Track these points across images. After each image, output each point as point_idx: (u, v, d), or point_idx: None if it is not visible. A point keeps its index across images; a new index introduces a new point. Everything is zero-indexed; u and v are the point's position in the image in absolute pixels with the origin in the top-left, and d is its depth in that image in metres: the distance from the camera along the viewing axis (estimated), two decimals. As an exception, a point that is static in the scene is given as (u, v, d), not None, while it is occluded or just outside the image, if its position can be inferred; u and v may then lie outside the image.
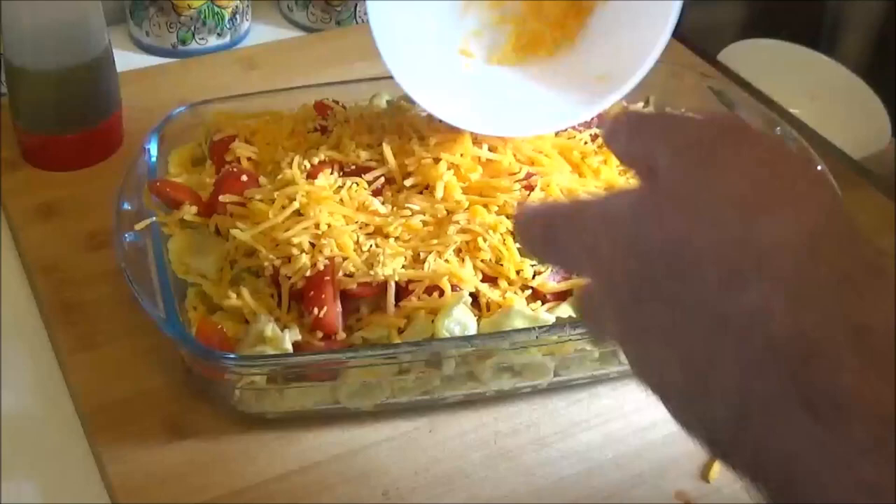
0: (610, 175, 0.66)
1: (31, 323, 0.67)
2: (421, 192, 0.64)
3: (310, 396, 0.59)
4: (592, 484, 0.58)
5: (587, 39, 0.71)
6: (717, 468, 0.58)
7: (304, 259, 0.59)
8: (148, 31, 0.93)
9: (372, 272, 0.58)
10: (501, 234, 0.61)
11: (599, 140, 0.70)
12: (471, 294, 0.59)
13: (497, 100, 0.69)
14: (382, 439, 0.60)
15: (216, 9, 0.93)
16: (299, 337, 0.58)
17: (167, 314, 0.56)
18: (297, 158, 0.65)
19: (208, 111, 0.72)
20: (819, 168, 0.36)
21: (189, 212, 0.64)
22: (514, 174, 0.65)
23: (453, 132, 0.65)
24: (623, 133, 0.41)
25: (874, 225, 0.75)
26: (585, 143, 0.69)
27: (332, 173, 0.65)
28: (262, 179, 0.65)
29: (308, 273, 0.59)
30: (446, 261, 0.59)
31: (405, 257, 0.60)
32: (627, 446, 0.60)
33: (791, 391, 0.31)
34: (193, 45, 0.94)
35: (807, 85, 1.04)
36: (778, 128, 0.74)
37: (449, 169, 0.64)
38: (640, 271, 0.36)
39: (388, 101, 0.74)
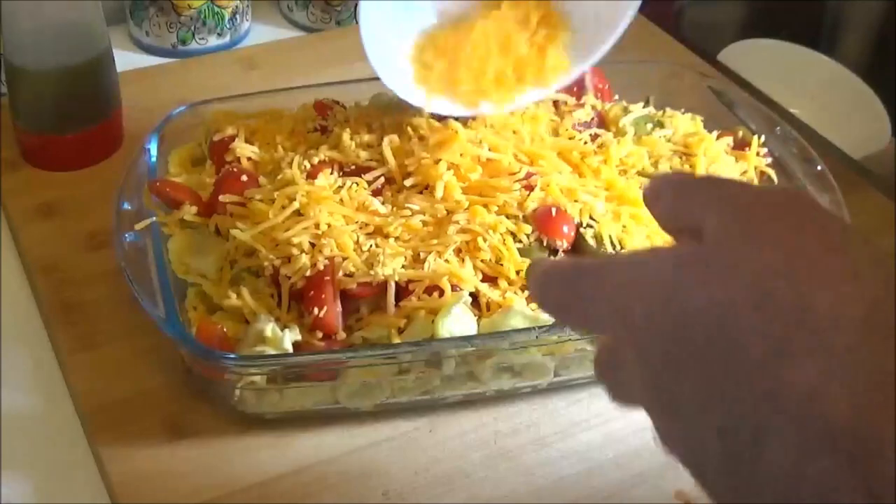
0: (610, 175, 0.66)
1: (31, 323, 0.67)
2: (421, 192, 0.64)
3: (310, 396, 0.59)
4: (592, 484, 0.58)
5: (563, 9, 0.71)
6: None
7: (304, 259, 0.59)
8: (148, 31, 0.94)
9: (372, 272, 0.58)
10: (501, 234, 0.61)
11: (599, 140, 0.70)
12: (471, 294, 0.59)
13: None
14: (382, 439, 0.60)
15: (216, 9, 0.93)
16: (299, 337, 0.58)
17: (167, 314, 0.56)
18: (297, 158, 0.65)
19: (208, 111, 0.72)
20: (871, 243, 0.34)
21: (189, 212, 0.64)
22: (514, 174, 0.65)
23: (449, 130, 0.65)
24: (668, 193, 0.40)
25: (874, 225, 0.75)
26: (585, 142, 0.69)
27: (332, 173, 0.65)
28: (262, 179, 0.65)
29: (308, 273, 0.59)
30: (446, 261, 0.59)
31: (405, 257, 0.60)
32: (627, 446, 0.60)
33: (850, 480, 0.29)
34: (193, 45, 0.94)
35: (807, 85, 1.04)
36: (778, 128, 0.74)
37: (449, 169, 0.64)
38: (678, 336, 0.34)
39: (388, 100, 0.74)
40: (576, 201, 0.63)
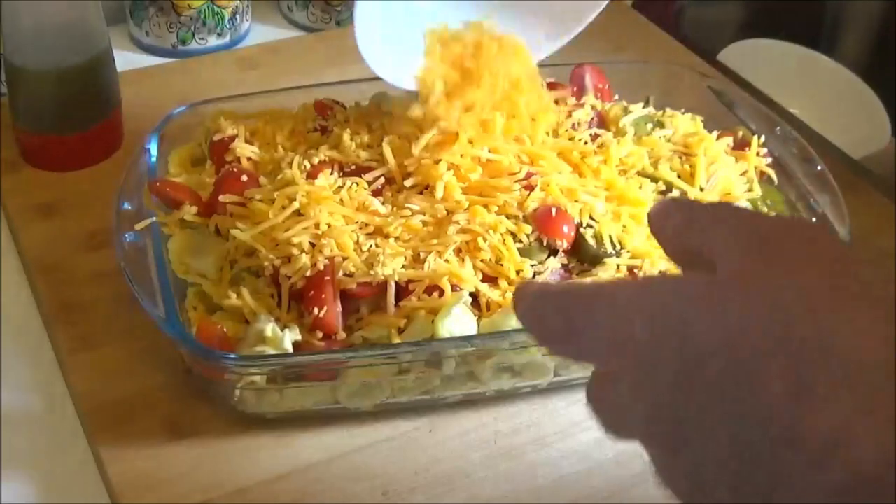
0: (610, 175, 0.66)
1: (31, 323, 0.67)
2: (421, 192, 0.64)
3: (310, 396, 0.59)
4: (592, 483, 0.58)
5: None
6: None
7: (304, 259, 0.59)
8: (148, 31, 0.94)
9: (372, 272, 0.58)
10: (501, 234, 0.61)
11: (599, 140, 0.70)
12: (471, 294, 0.59)
13: None
14: (382, 439, 0.60)
15: (216, 9, 0.93)
16: (299, 337, 0.58)
17: (167, 314, 0.56)
18: (297, 158, 0.65)
19: (208, 111, 0.72)
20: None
21: (189, 212, 0.64)
22: (514, 174, 0.65)
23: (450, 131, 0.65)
24: (677, 220, 0.38)
25: (874, 225, 0.75)
26: (585, 142, 0.69)
27: (332, 173, 0.65)
28: (262, 179, 0.65)
29: (308, 273, 0.59)
30: (446, 261, 0.59)
31: (405, 257, 0.60)
32: (627, 445, 0.59)
33: None
34: (193, 45, 0.94)
35: (807, 85, 1.04)
36: (778, 128, 0.74)
37: (449, 169, 0.64)
38: (689, 371, 0.32)
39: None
40: (576, 201, 0.63)
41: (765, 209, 0.69)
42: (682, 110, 0.75)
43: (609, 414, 0.38)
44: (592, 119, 0.73)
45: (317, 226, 0.61)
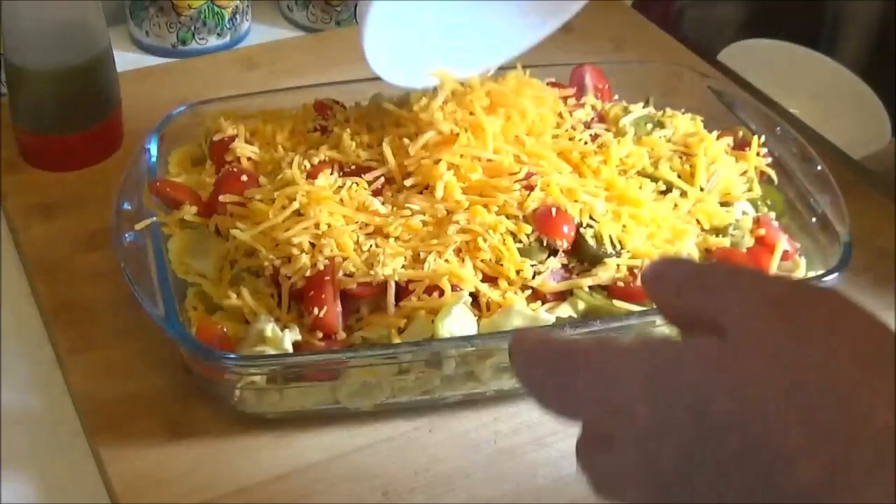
0: (610, 175, 0.66)
1: (31, 323, 0.67)
2: (421, 192, 0.64)
3: (310, 396, 0.59)
4: (592, 484, 0.58)
5: None
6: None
7: (304, 259, 0.59)
8: (148, 31, 0.93)
9: (372, 272, 0.58)
10: (501, 234, 0.61)
11: (599, 140, 0.70)
12: (471, 294, 0.59)
13: (460, 45, 0.70)
14: (382, 439, 0.60)
15: (216, 9, 0.93)
16: (299, 337, 0.58)
17: (167, 314, 0.56)
18: (297, 158, 0.65)
19: (208, 111, 0.72)
20: None
21: (189, 212, 0.64)
22: (514, 174, 0.64)
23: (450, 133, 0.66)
24: (676, 280, 0.37)
25: (874, 225, 0.75)
26: (585, 142, 0.69)
27: (332, 173, 0.65)
28: (262, 179, 0.65)
29: (308, 273, 0.59)
30: (446, 261, 0.59)
31: (405, 257, 0.60)
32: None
33: None
34: (193, 45, 0.94)
35: (807, 85, 1.04)
36: (778, 128, 0.74)
37: (449, 169, 0.64)
38: (702, 442, 0.30)
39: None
40: (576, 201, 0.63)
41: (765, 209, 0.69)
42: (682, 110, 0.75)
43: (603, 478, 0.36)
44: (592, 119, 0.73)
45: (317, 226, 0.61)
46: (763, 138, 0.72)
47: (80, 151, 0.77)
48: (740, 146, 0.72)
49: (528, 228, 0.61)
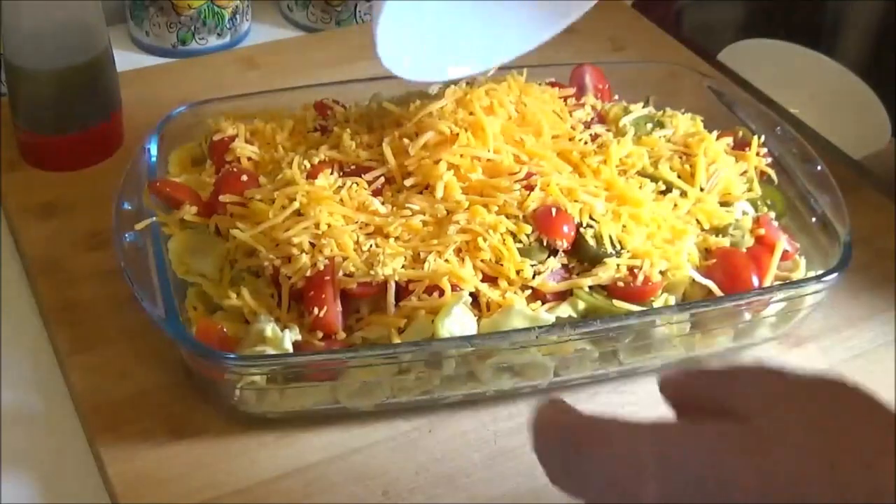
0: (610, 175, 0.66)
1: (31, 323, 0.67)
2: (421, 192, 0.64)
3: (310, 396, 0.59)
4: (592, 484, 0.58)
5: None
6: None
7: (304, 259, 0.59)
8: (148, 31, 0.94)
9: (372, 272, 0.58)
10: (501, 234, 0.61)
11: (599, 140, 0.70)
12: (471, 294, 0.59)
13: (470, 39, 0.70)
14: (382, 439, 0.60)
15: (216, 9, 0.93)
16: (299, 337, 0.58)
17: (167, 314, 0.56)
18: (297, 158, 0.65)
19: (208, 111, 0.72)
20: None
21: (189, 212, 0.64)
22: (514, 174, 0.64)
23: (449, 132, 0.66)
24: (697, 383, 0.38)
25: (874, 225, 0.75)
26: (585, 142, 0.69)
27: (332, 173, 0.65)
28: (262, 179, 0.65)
29: (308, 273, 0.59)
30: (446, 261, 0.59)
31: (405, 257, 0.60)
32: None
33: None
34: (193, 45, 0.94)
35: (807, 85, 1.04)
36: (778, 128, 0.74)
37: (449, 169, 0.64)
38: None
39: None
40: (576, 201, 0.63)
41: (765, 209, 0.69)
42: (682, 110, 0.75)
43: None
44: (592, 119, 0.73)
45: (317, 226, 0.61)
46: (763, 138, 0.72)
47: (80, 151, 0.77)
48: (740, 146, 0.72)
49: (528, 228, 0.61)
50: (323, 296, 0.58)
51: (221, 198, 0.63)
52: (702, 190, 0.68)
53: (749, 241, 0.66)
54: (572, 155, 0.68)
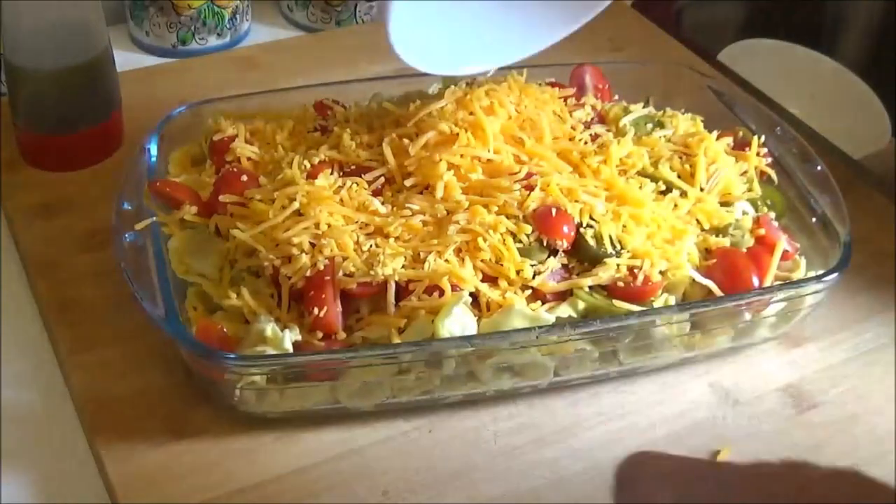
0: (610, 175, 0.66)
1: (31, 323, 0.67)
2: (421, 192, 0.64)
3: (310, 396, 0.59)
4: (592, 484, 0.58)
5: None
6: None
7: (304, 259, 0.59)
8: (148, 31, 0.94)
9: (372, 272, 0.58)
10: (501, 234, 0.61)
11: (599, 140, 0.70)
12: (471, 294, 0.59)
13: (484, 36, 0.70)
14: (382, 439, 0.60)
15: (216, 9, 0.93)
16: (299, 337, 0.58)
17: (167, 314, 0.56)
18: (297, 158, 0.65)
19: (208, 111, 0.72)
20: None
21: (189, 212, 0.64)
22: (515, 174, 0.64)
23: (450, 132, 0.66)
24: None
25: (874, 225, 0.75)
26: (585, 142, 0.69)
27: (332, 173, 0.65)
28: (262, 179, 0.65)
29: (308, 273, 0.59)
30: (446, 261, 0.59)
31: (405, 257, 0.60)
32: (627, 446, 0.60)
33: None
34: (193, 45, 0.94)
35: (807, 85, 1.04)
36: (778, 128, 0.74)
37: (449, 169, 0.64)
38: None
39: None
40: (576, 201, 0.63)
41: (765, 209, 0.69)
42: (682, 110, 0.75)
43: None
44: (592, 119, 0.73)
45: (317, 226, 0.61)
46: (763, 138, 0.72)
47: (80, 151, 0.77)
48: (740, 146, 0.72)
49: (528, 228, 0.61)
50: (323, 296, 0.58)
51: (221, 198, 0.63)
52: (702, 190, 0.68)
53: (749, 241, 0.66)
54: (572, 155, 0.68)
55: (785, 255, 0.65)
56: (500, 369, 0.60)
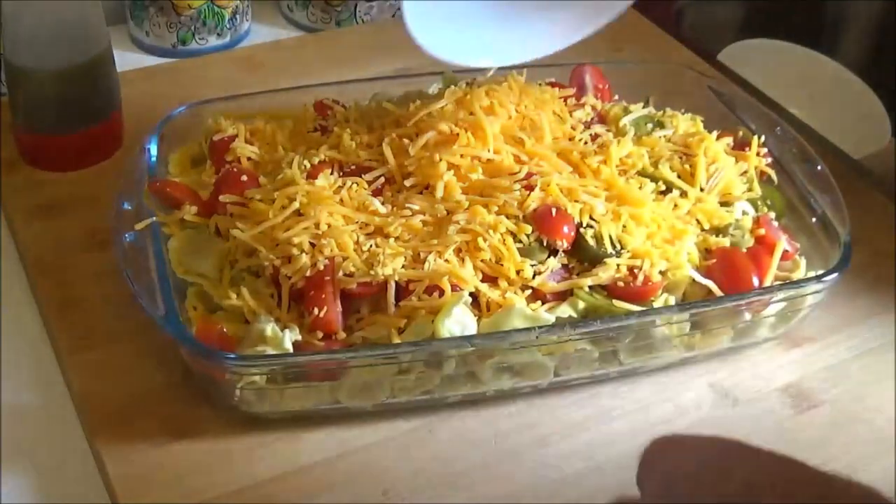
0: (610, 175, 0.66)
1: (31, 323, 0.67)
2: (421, 192, 0.64)
3: (310, 396, 0.59)
4: (592, 484, 0.58)
5: None
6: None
7: (304, 259, 0.59)
8: (148, 31, 0.93)
9: (372, 272, 0.58)
10: (501, 234, 0.61)
11: (599, 140, 0.70)
12: (471, 294, 0.59)
13: (506, 31, 0.69)
14: (382, 439, 0.60)
15: (216, 9, 0.93)
16: (299, 337, 0.58)
17: (167, 314, 0.56)
18: (297, 158, 0.65)
19: (208, 111, 0.72)
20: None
21: (189, 212, 0.64)
22: (515, 174, 0.65)
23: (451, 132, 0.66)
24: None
25: (874, 225, 0.75)
26: (585, 142, 0.69)
27: (332, 173, 0.65)
28: (262, 179, 0.65)
29: (308, 273, 0.59)
30: (446, 261, 0.59)
31: (405, 257, 0.60)
32: (627, 446, 0.59)
33: None
34: (193, 45, 0.94)
35: (807, 85, 1.04)
36: (778, 128, 0.74)
37: (449, 169, 0.64)
38: None
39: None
40: (576, 201, 0.63)
41: (765, 209, 0.69)
42: (682, 110, 0.75)
43: None
44: (592, 119, 0.73)
45: (317, 226, 0.61)
46: (763, 138, 0.72)
47: (80, 151, 0.77)
48: (740, 146, 0.72)
49: (528, 228, 0.61)
50: (323, 296, 0.58)
51: (221, 198, 0.63)
52: (702, 190, 0.68)
53: (749, 241, 0.66)
54: (572, 155, 0.68)
55: (785, 255, 0.65)
56: (500, 369, 0.60)
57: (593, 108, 0.74)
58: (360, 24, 0.99)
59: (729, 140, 0.72)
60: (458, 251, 0.60)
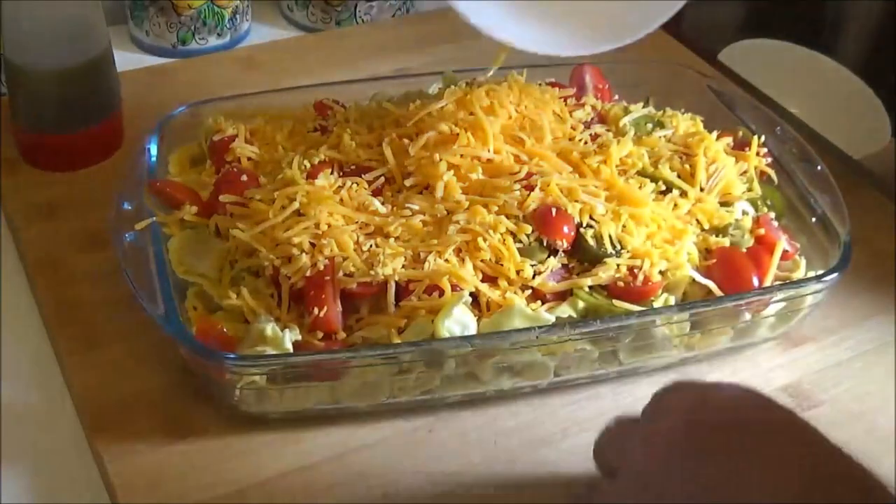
0: (610, 175, 0.66)
1: (31, 323, 0.67)
2: (421, 192, 0.64)
3: (310, 396, 0.59)
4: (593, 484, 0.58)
5: None
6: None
7: (304, 259, 0.59)
8: (148, 31, 0.94)
9: (372, 272, 0.58)
10: (501, 234, 0.61)
11: (599, 140, 0.70)
12: (471, 294, 0.59)
13: (557, 19, 0.67)
14: (383, 439, 0.60)
15: (216, 9, 0.93)
16: (299, 337, 0.58)
17: (167, 314, 0.56)
18: (297, 158, 0.65)
19: (208, 111, 0.72)
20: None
21: (189, 212, 0.64)
22: (515, 174, 0.65)
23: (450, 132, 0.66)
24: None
25: (874, 225, 0.75)
26: (585, 142, 0.69)
27: (332, 173, 0.65)
28: (262, 179, 0.65)
29: (308, 273, 0.59)
30: (446, 261, 0.59)
31: (405, 257, 0.60)
32: (627, 446, 0.60)
33: None
34: (193, 45, 0.94)
35: (807, 85, 1.04)
36: (778, 128, 0.74)
37: (449, 169, 0.64)
38: None
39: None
40: (576, 201, 0.63)
41: (765, 209, 0.69)
42: (682, 110, 0.75)
43: None
44: (592, 119, 0.73)
45: (317, 226, 0.61)
46: (763, 138, 0.72)
47: (80, 151, 0.77)
48: (740, 146, 0.72)
49: (528, 228, 0.61)
50: (323, 296, 0.58)
51: (221, 198, 0.63)
52: (702, 190, 0.68)
53: (749, 241, 0.66)
54: (572, 155, 0.68)
55: (785, 255, 0.65)
56: (500, 369, 0.60)
57: (593, 108, 0.74)
58: (360, 24, 0.99)
59: (729, 140, 0.72)
60: (458, 251, 0.60)
